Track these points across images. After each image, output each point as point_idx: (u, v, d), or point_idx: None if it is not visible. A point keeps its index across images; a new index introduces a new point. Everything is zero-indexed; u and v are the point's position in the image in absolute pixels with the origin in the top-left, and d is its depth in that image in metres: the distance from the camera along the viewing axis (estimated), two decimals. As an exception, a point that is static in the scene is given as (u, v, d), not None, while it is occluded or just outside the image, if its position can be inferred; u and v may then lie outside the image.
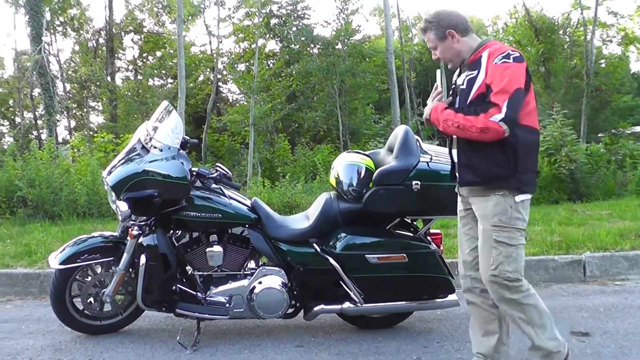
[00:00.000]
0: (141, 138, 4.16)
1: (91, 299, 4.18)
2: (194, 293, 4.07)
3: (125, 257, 4.03)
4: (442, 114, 3.08)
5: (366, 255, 3.92)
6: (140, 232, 3.99)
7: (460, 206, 3.43)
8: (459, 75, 3.27)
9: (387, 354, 3.82)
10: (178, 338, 4.02)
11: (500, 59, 2.91)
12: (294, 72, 18.59)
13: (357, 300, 3.97)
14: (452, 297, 4.11)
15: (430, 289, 4.06)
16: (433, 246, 4.02)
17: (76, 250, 4.13)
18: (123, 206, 3.85)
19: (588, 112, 17.92)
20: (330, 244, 4.00)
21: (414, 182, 3.81)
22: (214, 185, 4.13)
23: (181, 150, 4.06)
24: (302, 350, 3.91)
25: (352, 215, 4.05)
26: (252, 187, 12.05)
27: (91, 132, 24.94)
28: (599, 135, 20.46)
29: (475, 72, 3.02)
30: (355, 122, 21.88)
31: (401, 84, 26.88)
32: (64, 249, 4.18)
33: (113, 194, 3.99)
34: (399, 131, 4.15)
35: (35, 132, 26.34)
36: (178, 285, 4.06)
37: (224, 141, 20.55)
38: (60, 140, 17.68)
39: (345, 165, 4.17)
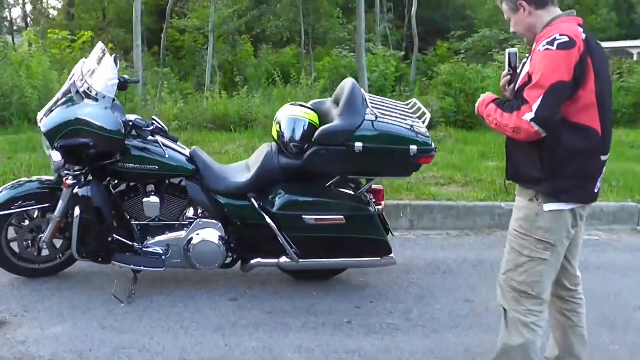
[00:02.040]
0: (76, 81, 3.99)
1: (28, 244, 4.16)
2: (131, 243, 4.05)
3: (60, 204, 3.97)
4: (485, 108, 2.74)
5: (303, 216, 3.90)
6: (75, 181, 3.90)
7: None
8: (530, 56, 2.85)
9: (318, 313, 3.87)
10: (113, 290, 4.01)
11: (544, 45, 2.49)
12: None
13: (293, 256, 3.99)
14: (390, 256, 4.13)
15: (367, 249, 4.08)
16: (372, 208, 4.01)
17: (12, 195, 4.07)
18: (56, 156, 3.75)
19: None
20: (268, 199, 3.97)
21: (356, 143, 3.72)
22: (150, 137, 4.01)
23: (115, 101, 3.91)
24: (236, 305, 3.95)
25: (292, 171, 3.99)
26: (208, 97, 11.80)
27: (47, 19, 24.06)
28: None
29: (529, 56, 2.68)
30: (322, 26, 21.31)
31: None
32: (0, 192, 4.11)
33: (47, 141, 3.88)
34: (346, 85, 4.04)
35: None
36: (114, 234, 4.02)
37: (184, 41, 19.96)
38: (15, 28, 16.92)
39: (288, 119, 4.07)
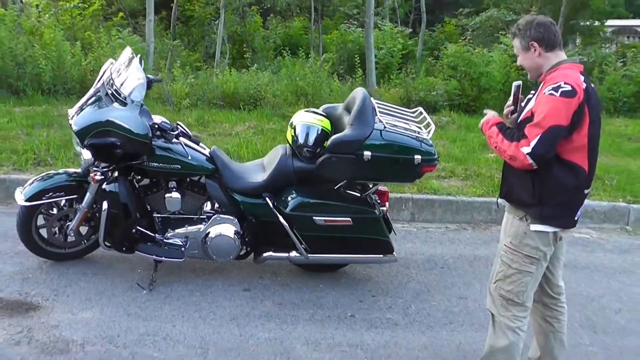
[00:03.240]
0: (105, 83, 4.28)
1: (56, 231, 4.49)
2: (153, 235, 4.38)
3: (88, 196, 4.29)
4: (489, 129, 3.06)
5: (314, 217, 4.22)
6: (103, 177, 4.21)
7: None
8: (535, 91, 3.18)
9: (325, 306, 4.22)
10: (136, 279, 4.36)
11: (549, 90, 2.80)
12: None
13: (303, 252, 4.32)
14: (392, 254, 4.45)
15: (372, 248, 4.41)
16: (377, 211, 4.32)
17: (42, 187, 4.37)
18: (86, 154, 4.06)
19: (567, 13, 17.70)
20: (282, 200, 4.28)
21: (365, 152, 4.03)
22: (174, 141, 4.31)
23: (144, 106, 4.21)
24: (249, 296, 4.29)
25: (305, 174, 4.30)
26: (218, 75, 12.01)
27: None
28: (576, 37, 20.33)
29: (535, 94, 3.03)
30: (331, 4, 21.31)
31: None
32: (31, 183, 4.42)
33: (77, 139, 4.18)
34: (357, 95, 4.32)
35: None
36: (138, 227, 4.35)
37: (194, 11, 19.97)
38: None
39: (302, 125, 4.36)
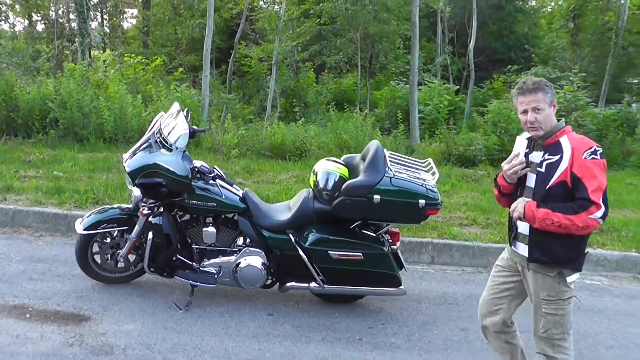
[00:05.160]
0: (155, 132, 5.02)
1: (108, 257, 5.20)
2: (191, 263, 5.03)
3: (136, 228, 4.99)
4: (538, 212, 3.17)
5: (329, 251, 4.81)
6: (150, 211, 4.91)
7: (503, 261, 3.70)
8: (530, 151, 3.41)
9: (337, 330, 4.76)
10: (174, 299, 5.02)
11: (590, 155, 3.08)
12: (323, 11, 18.87)
13: (320, 283, 4.90)
14: (400, 288, 4.98)
15: (381, 281, 4.95)
16: (386, 248, 4.88)
17: (98, 219, 5.11)
18: (136, 191, 4.81)
19: (613, 71, 18.03)
20: (303, 236, 4.89)
21: (375, 196, 4.63)
22: (211, 182, 4.99)
23: (186, 152, 4.94)
24: (272, 319, 4.87)
25: (324, 214, 4.92)
26: (267, 127, 12.81)
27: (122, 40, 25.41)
28: (623, 96, 20.55)
29: (556, 157, 3.19)
30: (379, 62, 22.14)
31: (434, 18, 26.85)
32: (89, 215, 5.16)
33: (129, 178, 4.92)
34: (372, 146, 4.95)
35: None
36: (178, 256, 5.02)
37: (251, 66, 21.06)
38: (94, 45, 18.39)
39: (323, 172, 5.00)
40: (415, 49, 14.54)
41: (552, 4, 33.46)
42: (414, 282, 5.87)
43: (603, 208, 3.05)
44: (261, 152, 11.65)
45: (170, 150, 4.90)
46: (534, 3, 34.89)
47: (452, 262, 6.69)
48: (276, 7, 21.67)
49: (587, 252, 3.40)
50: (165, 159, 4.84)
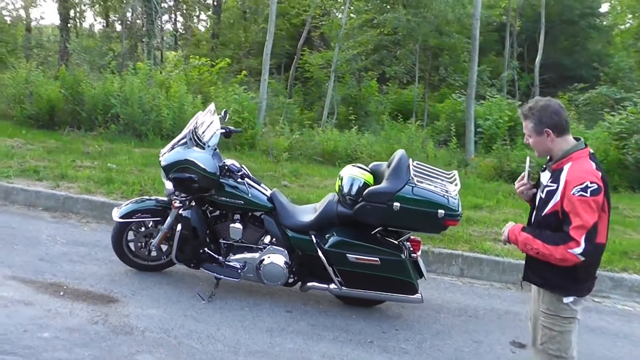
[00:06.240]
0: (191, 130, 5.29)
1: (141, 245, 5.50)
2: (217, 257, 5.27)
3: (168, 220, 5.27)
4: (520, 235, 3.29)
5: (347, 254, 4.95)
6: (181, 205, 5.17)
7: None
8: (543, 171, 3.42)
9: (350, 331, 4.90)
10: (198, 289, 5.27)
11: (579, 192, 3.05)
12: (386, 20, 18.99)
13: (338, 284, 5.05)
14: (417, 295, 5.08)
15: (397, 287, 5.05)
16: (404, 255, 4.98)
17: (134, 208, 5.43)
18: (169, 185, 5.10)
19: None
20: (324, 238, 5.06)
21: (395, 203, 4.75)
22: (239, 180, 5.22)
23: (217, 150, 5.18)
24: (289, 316, 5.05)
25: (346, 218, 5.07)
26: (320, 133, 13.02)
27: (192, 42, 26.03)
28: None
29: (555, 186, 3.19)
30: (437, 75, 22.07)
31: (502, 32, 26.55)
32: (126, 204, 5.48)
33: (163, 172, 5.19)
34: (397, 155, 5.08)
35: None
36: (206, 248, 5.27)
37: (313, 72, 21.34)
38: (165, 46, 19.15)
39: (348, 177, 5.16)
40: (474, 63, 14.53)
41: (630, 22, 32.53)
42: (438, 293, 5.95)
43: (583, 245, 3.05)
44: (313, 157, 11.87)
45: (203, 147, 5.15)
46: (609, 19, 33.99)
47: (481, 276, 6.72)
48: (339, 14, 21.92)
49: (596, 277, 3.41)
50: (197, 156, 5.09)
